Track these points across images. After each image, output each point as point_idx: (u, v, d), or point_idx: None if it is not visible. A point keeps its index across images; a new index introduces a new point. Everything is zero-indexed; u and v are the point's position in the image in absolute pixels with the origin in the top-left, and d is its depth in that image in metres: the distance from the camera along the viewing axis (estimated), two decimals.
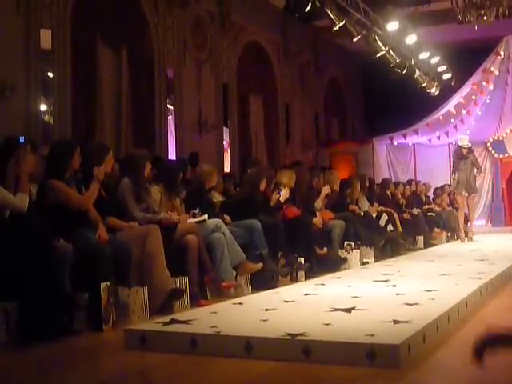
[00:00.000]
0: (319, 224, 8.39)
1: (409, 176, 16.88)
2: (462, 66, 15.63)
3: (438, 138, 17.94)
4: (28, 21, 7.77)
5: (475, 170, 12.12)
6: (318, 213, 8.62)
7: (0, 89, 7.28)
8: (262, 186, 7.61)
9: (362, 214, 10.21)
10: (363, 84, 18.87)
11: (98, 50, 9.04)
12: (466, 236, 12.28)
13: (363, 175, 12.53)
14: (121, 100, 9.48)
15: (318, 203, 8.80)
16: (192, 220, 6.31)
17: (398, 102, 16.00)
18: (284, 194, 7.91)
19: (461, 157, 12.01)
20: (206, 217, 6.37)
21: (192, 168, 8.44)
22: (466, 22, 11.69)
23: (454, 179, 12.26)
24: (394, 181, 14.27)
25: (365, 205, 10.88)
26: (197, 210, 6.59)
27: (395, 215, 11.06)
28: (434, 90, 15.67)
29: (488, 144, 18.01)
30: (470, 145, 12.13)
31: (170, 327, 4.05)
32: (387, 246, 10.08)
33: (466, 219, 12.59)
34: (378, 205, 11.28)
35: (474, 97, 17.33)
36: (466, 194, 12.06)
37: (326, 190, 8.99)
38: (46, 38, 8.08)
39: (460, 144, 12.22)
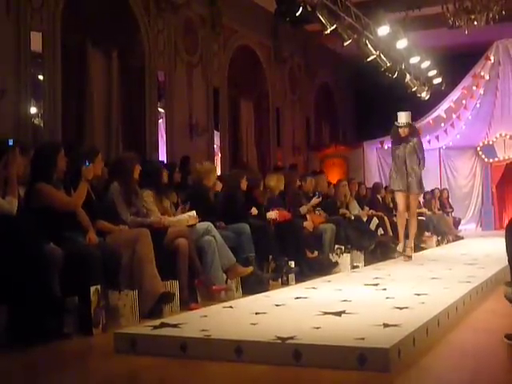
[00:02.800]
0: (310, 227, 8.41)
1: None
2: (453, 70, 15.70)
3: (429, 142, 17.97)
4: (18, 24, 7.76)
5: (418, 160, 9.03)
6: (308, 216, 8.64)
7: None
8: (243, 184, 7.63)
9: (353, 217, 10.24)
10: (354, 88, 18.90)
11: (88, 53, 9.03)
12: (403, 252, 9.21)
13: (354, 179, 12.57)
14: (111, 103, 9.46)
15: (304, 209, 8.78)
16: (181, 216, 6.30)
17: (388, 106, 15.96)
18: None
19: (398, 140, 9.02)
20: (194, 213, 6.37)
21: (181, 171, 8.45)
22: (456, 27, 11.74)
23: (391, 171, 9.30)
24: (384, 185, 14.30)
25: (355, 209, 10.91)
26: (186, 204, 6.61)
27: (386, 219, 11.09)
28: (425, 95, 15.73)
29: (478, 148, 18.10)
30: (410, 123, 9.07)
31: (160, 331, 4.04)
32: (377, 250, 10.09)
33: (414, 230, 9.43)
34: (368, 209, 11.32)
35: (464, 101, 17.39)
36: (403, 193, 9.03)
37: (315, 200, 8.99)
38: (36, 40, 8.06)
39: (397, 122, 8.99)
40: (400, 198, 9.11)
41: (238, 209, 7.35)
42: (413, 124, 9.23)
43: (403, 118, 8.98)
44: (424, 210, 13.88)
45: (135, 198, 6.17)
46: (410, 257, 9.03)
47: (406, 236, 9.36)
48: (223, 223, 6.98)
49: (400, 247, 9.34)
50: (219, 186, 7.81)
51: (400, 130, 8.91)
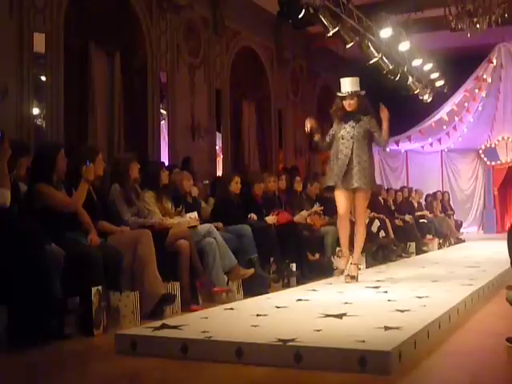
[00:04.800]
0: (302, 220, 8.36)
1: (401, 182, 16.94)
2: (455, 73, 15.68)
3: (431, 144, 18.01)
4: (21, 24, 7.76)
5: (368, 147, 6.75)
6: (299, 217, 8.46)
7: None
8: (234, 187, 7.63)
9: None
10: None
11: (91, 54, 9.03)
12: (342, 271, 7.06)
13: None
14: (113, 104, 9.46)
15: (301, 217, 8.58)
16: (180, 219, 6.30)
17: (390, 109, 15.93)
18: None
19: (342, 116, 6.78)
20: (195, 214, 6.39)
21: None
22: (458, 30, 11.73)
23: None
24: (386, 187, 14.31)
25: None
26: (180, 208, 6.62)
27: (387, 221, 11.10)
28: (427, 97, 15.72)
29: (480, 151, 18.10)
30: (360, 92, 6.78)
31: (161, 332, 4.04)
32: (379, 253, 10.09)
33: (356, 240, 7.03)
34: (369, 211, 11.29)
35: (466, 104, 17.40)
36: (343, 190, 6.72)
37: (316, 209, 8.94)
38: (39, 41, 8.06)
39: (340, 92, 6.84)
40: (339, 197, 6.77)
41: (231, 212, 7.36)
42: (363, 94, 6.80)
43: (348, 85, 6.77)
44: (426, 212, 13.88)
45: (136, 198, 6.18)
46: (353, 277, 6.71)
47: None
48: (221, 224, 6.99)
49: (340, 263, 7.19)
50: (196, 192, 7.79)
51: (345, 103, 6.74)
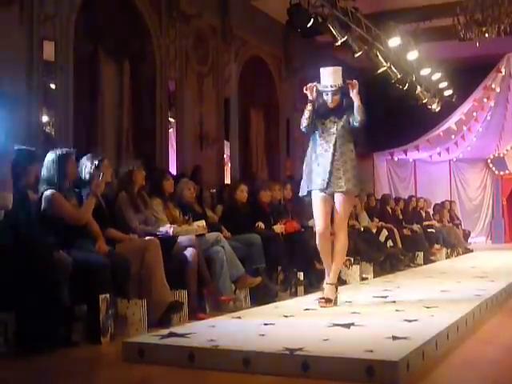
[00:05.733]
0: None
1: (409, 192, 16.90)
2: (463, 82, 15.67)
3: (439, 154, 17.99)
4: (31, 32, 7.79)
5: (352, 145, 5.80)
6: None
7: (3, 100, 7.29)
8: (241, 195, 7.64)
9: (362, 229, 10.21)
10: (364, 99, 18.81)
11: (100, 62, 9.07)
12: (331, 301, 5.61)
13: (363, 190, 12.55)
14: (122, 112, 9.50)
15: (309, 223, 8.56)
16: (188, 227, 6.30)
17: (398, 118, 16.01)
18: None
19: (324, 113, 5.75)
20: (203, 222, 6.39)
21: (193, 180, 8.46)
22: (467, 39, 11.73)
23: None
24: (394, 196, 14.29)
25: (365, 220, 10.88)
26: (188, 216, 6.62)
27: (395, 231, 11.07)
28: (435, 106, 15.72)
29: (489, 161, 18.07)
30: (342, 85, 5.67)
31: (168, 340, 4.04)
32: (387, 262, 10.07)
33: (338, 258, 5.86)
34: (378, 220, 11.29)
35: (474, 113, 17.37)
36: (322, 195, 5.62)
37: None
38: (49, 49, 8.10)
39: (322, 85, 5.68)
40: (320, 206, 5.65)
41: (238, 220, 7.37)
42: (345, 86, 5.69)
43: (330, 76, 5.67)
44: (434, 222, 13.84)
45: (144, 206, 6.19)
46: (329, 301, 5.56)
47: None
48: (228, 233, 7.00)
49: (330, 292, 5.70)
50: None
51: (327, 99, 5.69)
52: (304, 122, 5.70)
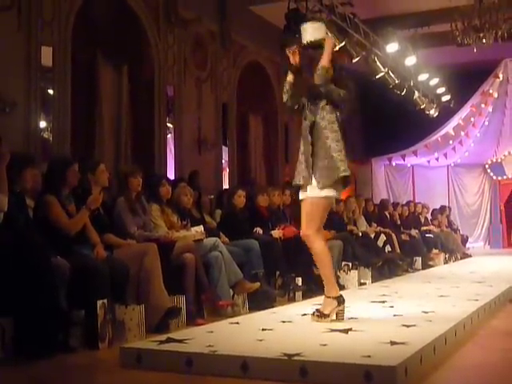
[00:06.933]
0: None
1: (407, 197, 16.91)
2: (461, 88, 15.69)
3: (437, 159, 18.00)
4: (29, 38, 7.79)
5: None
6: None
7: (0, 105, 7.29)
8: (238, 200, 7.65)
9: (360, 234, 10.22)
10: (362, 104, 18.93)
11: (98, 67, 9.06)
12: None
13: (361, 195, 12.57)
14: (121, 117, 9.49)
15: None
16: (186, 232, 6.30)
17: (396, 123, 16.02)
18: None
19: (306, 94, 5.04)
20: (201, 228, 6.39)
21: (190, 185, 8.46)
22: (465, 45, 11.75)
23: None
24: (392, 201, 14.30)
25: (363, 225, 10.89)
26: (186, 221, 6.62)
27: (393, 236, 11.08)
28: (433, 112, 15.73)
29: (487, 166, 18.08)
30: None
31: (166, 346, 4.03)
32: (385, 267, 10.06)
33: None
34: (376, 225, 11.30)
35: (472, 119, 17.40)
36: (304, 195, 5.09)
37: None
38: (46, 55, 8.10)
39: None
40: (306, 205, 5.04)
41: (236, 225, 7.38)
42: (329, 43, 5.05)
43: (308, 31, 5.01)
44: (432, 227, 13.86)
45: (142, 211, 6.19)
46: (322, 316, 4.90)
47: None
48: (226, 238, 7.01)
49: (330, 307, 4.99)
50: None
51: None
52: (284, 97, 5.11)
